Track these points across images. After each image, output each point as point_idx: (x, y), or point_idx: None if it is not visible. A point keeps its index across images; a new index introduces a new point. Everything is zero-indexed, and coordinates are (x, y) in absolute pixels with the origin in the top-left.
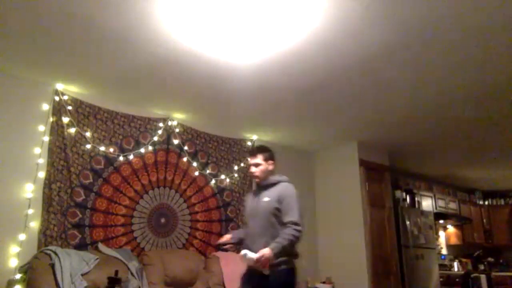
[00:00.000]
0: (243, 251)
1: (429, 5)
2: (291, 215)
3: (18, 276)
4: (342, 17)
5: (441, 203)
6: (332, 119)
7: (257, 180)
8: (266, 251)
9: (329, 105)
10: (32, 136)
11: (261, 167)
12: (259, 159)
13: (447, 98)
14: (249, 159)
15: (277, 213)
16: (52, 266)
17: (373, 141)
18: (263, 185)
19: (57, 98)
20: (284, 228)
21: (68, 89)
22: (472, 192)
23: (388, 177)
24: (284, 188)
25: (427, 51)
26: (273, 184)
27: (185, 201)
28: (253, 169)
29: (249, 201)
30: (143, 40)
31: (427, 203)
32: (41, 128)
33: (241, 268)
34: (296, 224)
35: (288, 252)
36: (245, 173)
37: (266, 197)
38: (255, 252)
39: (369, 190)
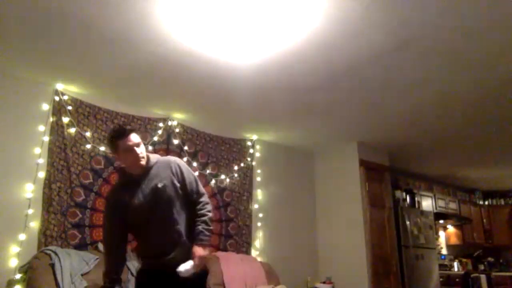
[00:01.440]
0: (180, 269)
1: (429, 5)
2: (200, 189)
3: (18, 276)
4: (342, 17)
5: (441, 203)
6: (332, 119)
7: (141, 165)
8: (200, 251)
9: (329, 105)
10: (32, 136)
11: (143, 147)
12: (139, 138)
13: (447, 98)
14: (131, 138)
15: (181, 194)
16: (52, 266)
17: (373, 141)
18: (141, 173)
19: (57, 98)
20: (197, 208)
21: (68, 89)
22: (472, 192)
23: (388, 177)
24: (169, 163)
25: (427, 51)
26: (151, 167)
27: None
28: (139, 150)
29: (124, 201)
30: (143, 40)
31: (427, 203)
32: (41, 128)
33: (242, 268)
34: (206, 197)
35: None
36: (245, 173)
37: (158, 183)
38: (182, 258)
39: (369, 190)
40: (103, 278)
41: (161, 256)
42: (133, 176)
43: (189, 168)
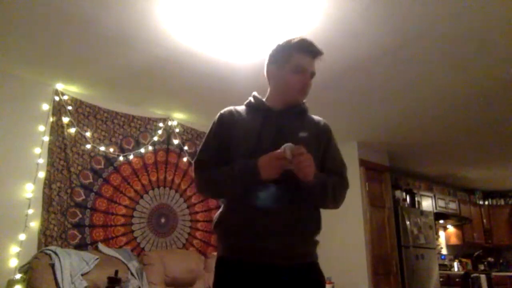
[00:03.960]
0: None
1: (428, 5)
2: (344, 165)
3: (18, 276)
4: (341, 17)
5: (441, 203)
6: (332, 119)
7: (300, 99)
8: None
9: (329, 105)
10: (32, 136)
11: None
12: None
13: (447, 98)
14: (314, 63)
15: (318, 161)
16: (52, 266)
17: (373, 141)
18: (293, 111)
19: (57, 98)
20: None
21: (68, 89)
22: (472, 192)
23: (388, 177)
24: (324, 123)
25: (426, 51)
26: (304, 111)
27: (185, 201)
28: (309, 81)
29: (257, 130)
30: (143, 40)
31: (427, 203)
32: (41, 128)
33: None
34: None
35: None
36: None
37: (302, 131)
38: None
39: (369, 190)
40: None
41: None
42: (270, 109)
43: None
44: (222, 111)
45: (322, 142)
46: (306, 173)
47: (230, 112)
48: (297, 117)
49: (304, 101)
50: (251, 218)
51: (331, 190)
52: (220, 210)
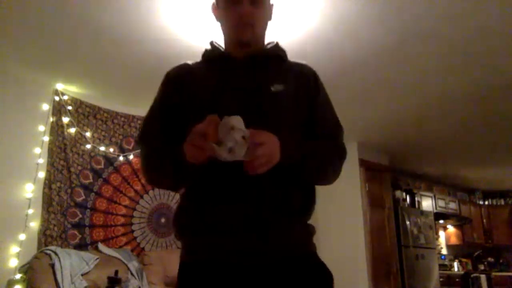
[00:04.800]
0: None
1: (427, 4)
2: (339, 128)
3: (18, 276)
4: (339, 17)
5: (441, 203)
6: None
7: (242, 36)
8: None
9: None
10: (32, 136)
11: (261, 13)
12: None
13: (447, 98)
14: None
15: (301, 121)
16: (52, 266)
17: (373, 141)
18: (258, 56)
19: (57, 98)
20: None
21: (68, 89)
22: (472, 192)
23: (388, 177)
24: (308, 68)
25: (425, 50)
26: (280, 57)
27: None
28: (248, 9)
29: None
30: (144, 39)
31: (427, 203)
32: (41, 128)
33: None
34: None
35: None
36: None
37: (275, 84)
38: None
39: (369, 190)
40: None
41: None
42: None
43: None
44: (169, 70)
45: (306, 96)
46: (258, 171)
47: (180, 69)
48: (268, 65)
49: (277, 43)
50: (204, 209)
51: (320, 165)
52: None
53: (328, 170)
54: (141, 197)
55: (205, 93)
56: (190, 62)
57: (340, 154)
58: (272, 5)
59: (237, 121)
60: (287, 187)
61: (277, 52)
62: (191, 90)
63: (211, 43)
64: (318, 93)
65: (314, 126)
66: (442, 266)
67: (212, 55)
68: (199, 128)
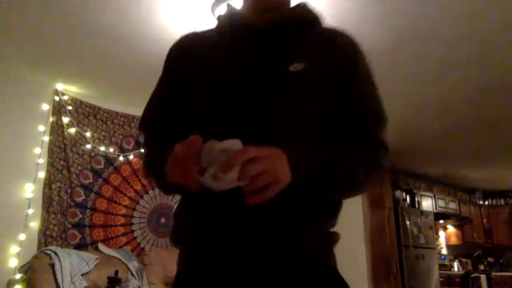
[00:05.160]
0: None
1: (426, 4)
2: (380, 120)
3: (18, 276)
4: (338, 17)
5: (441, 203)
6: None
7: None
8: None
9: None
10: (32, 136)
11: None
12: None
13: (447, 98)
14: None
15: (328, 112)
16: (52, 266)
17: None
18: (282, 23)
19: (57, 98)
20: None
21: (68, 89)
22: (472, 192)
23: (388, 177)
24: (345, 37)
25: (424, 50)
26: (309, 23)
27: None
28: None
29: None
30: (144, 39)
31: (427, 203)
32: (41, 128)
33: None
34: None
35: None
36: None
37: (296, 61)
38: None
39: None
40: None
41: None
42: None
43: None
44: (174, 42)
45: (338, 75)
46: (264, 197)
47: (186, 39)
48: (295, 34)
49: (306, 4)
50: (198, 218)
51: (347, 179)
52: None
53: (359, 183)
54: (141, 197)
55: (209, 69)
56: (197, 31)
57: (376, 159)
58: None
59: (226, 144)
60: (298, 196)
61: (306, 16)
62: (194, 66)
63: (228, 6)
64: (356, 71)
65: (345, 117)
66: (442, 266)
67: (226, 20)
68: (179, 153)
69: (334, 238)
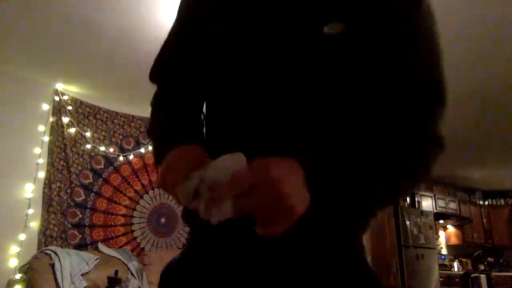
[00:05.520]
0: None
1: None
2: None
3: (18, 276)
4: None
5: (441, 203)
6: None
7: None
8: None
9: None
10: (32, 136)
11: None
12: None
13: (447, 98)
14: None
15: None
16: (52, 266)
17: None
18: None
19: (57, 98)
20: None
21: (68, 89)
22: (472, 192)
23: None
24: None
25: None
26: None
27: None
28: None
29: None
30: (143, 39)
31: (427, 203)
32: (41, 128)
33: None
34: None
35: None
36: None
37: (337, 20)
38: None
39: None
40: None
41: None
42: None
43: None
44: None
45: (385, 40)
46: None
47: None
48: None
49: None
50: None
51: (385, 196)
52: None
53: (398, 199)
54: (141, 197)
55: (224, 22)
56: None
57: (425, 167)
58: None
59: (223, 162)
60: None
61: None
62: (208, 17)
63: None
64: (413, 33)
65: (386, 100)
66: (442, 266)
67: None
68: (172, 168)
69: (358, 250)
